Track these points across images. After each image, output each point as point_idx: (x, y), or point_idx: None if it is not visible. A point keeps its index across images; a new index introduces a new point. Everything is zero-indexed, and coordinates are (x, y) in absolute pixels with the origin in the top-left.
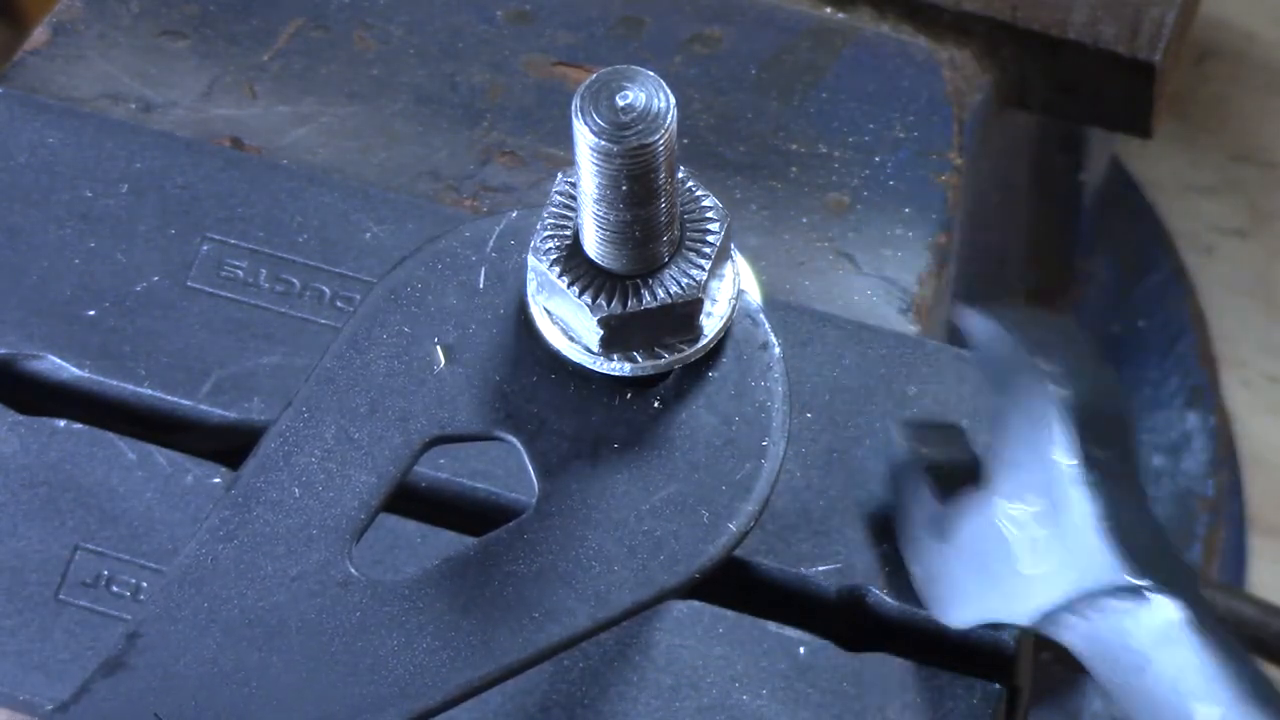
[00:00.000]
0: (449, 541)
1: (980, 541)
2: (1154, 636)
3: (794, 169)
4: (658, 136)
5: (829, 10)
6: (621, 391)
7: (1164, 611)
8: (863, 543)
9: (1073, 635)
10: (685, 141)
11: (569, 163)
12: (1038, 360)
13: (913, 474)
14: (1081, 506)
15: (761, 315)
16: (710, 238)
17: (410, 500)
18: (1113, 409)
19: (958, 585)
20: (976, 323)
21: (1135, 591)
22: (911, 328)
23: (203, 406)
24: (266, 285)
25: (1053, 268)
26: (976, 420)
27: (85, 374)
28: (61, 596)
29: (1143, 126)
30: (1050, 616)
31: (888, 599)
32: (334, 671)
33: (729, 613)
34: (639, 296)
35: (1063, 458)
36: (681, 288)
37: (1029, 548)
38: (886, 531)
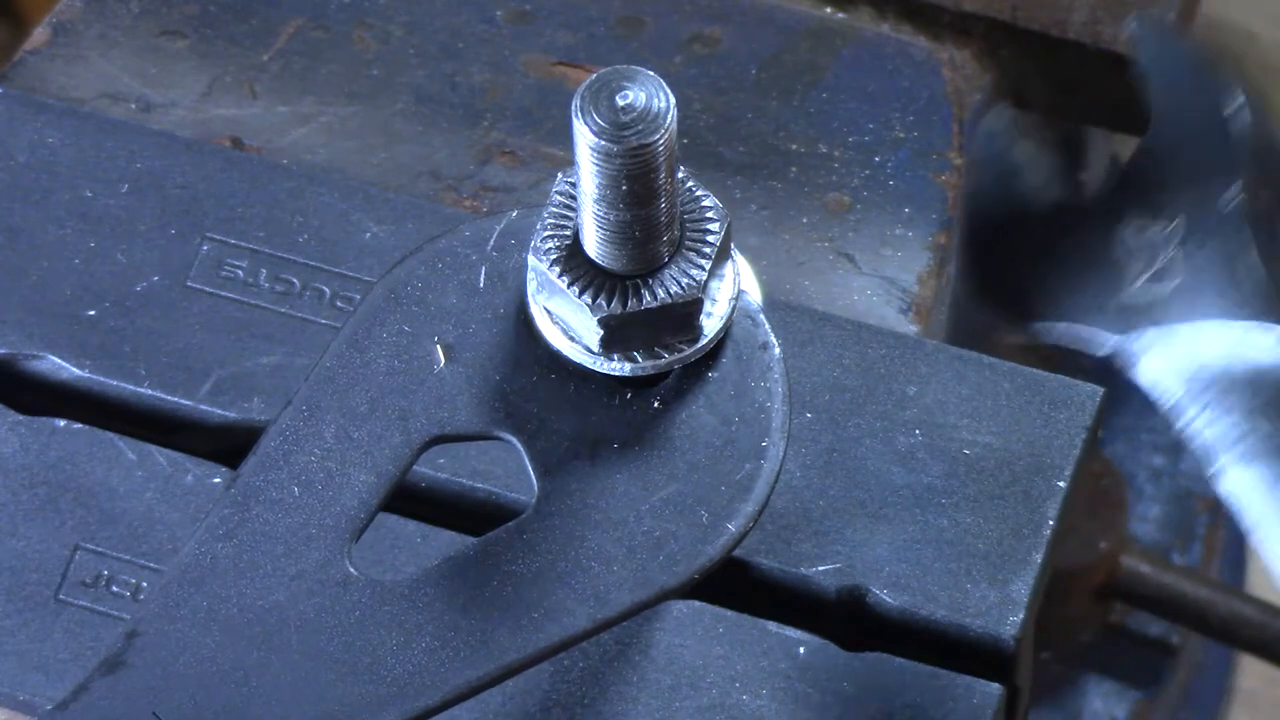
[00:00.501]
0: (449, 541)
1: (1086, 249)
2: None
3: (794, 169)
4: (658, 136)
5: (829, 10)
6: (621, 391)
7: None
8: (863, 543)
9: (1158, 365)
10: (685, 141)
11: (569, 163)
12: (1221, 81)
13: (1004, 157)
14: (1243, 240)
15: (761, 315)
16: (710, 238)
17: (410, 500)
18: (1273, 143)
19: (1043, 287)
20: (1149, 30)
21: None
22: (911, 328)
23: (203, 406)
24: (266, 285)
25: None
26: (977, 420)
27: (85, 374)
28: (61, 596)
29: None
30: (1139, 344)
31: (888, 599)
32: (333, 671)
33: (729, 613)
34: (639, 296)
35: (1233, 189)
36: (681, 288)
37: (1151, 265)
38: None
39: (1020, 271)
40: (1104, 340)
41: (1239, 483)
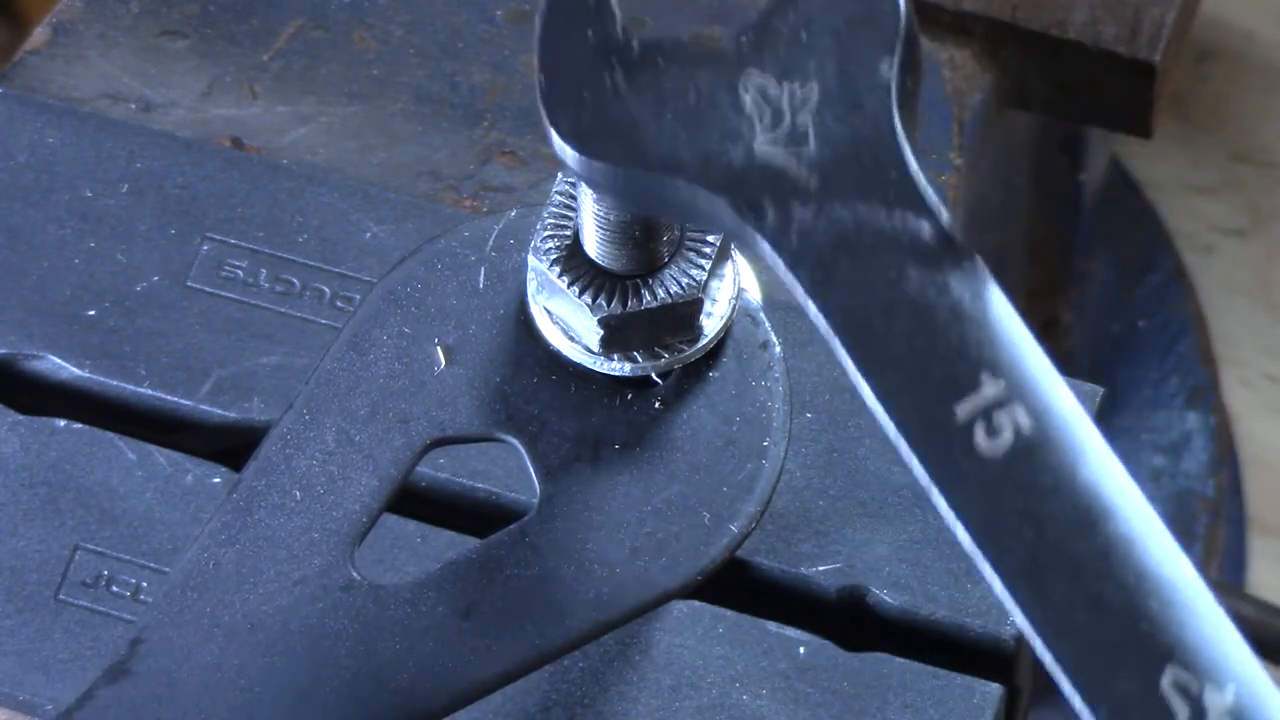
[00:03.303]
0: (449, 541)
1: (690, 92)
2: (945, 290)
3: None
4: None
5: None
6: (622, 392)
7: (976, 271)
8: (863, 543)
9: (790, 236)
10: None
11: None
12: None
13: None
14: (888, 127)
15: (761, 315)
16: (710, 237)
17: (410, 500)
18: (915, 30)
19: (630, 120)
20: None
21: (944, 238)
22: None
23: (203, 406)
24: (266, 285)
25: (1053, 268)
26: None
27: (85, 374)
28: (61, 596)
29: (1143, 126)
30: (762, 204)
31: (888, 599)
32: (337, 676)
33: (729, 613)
34: (639, 296)
35: (887, 70)
36: (681, 287)
37: (774, 126)
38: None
39: (620, 105)
40: (719, 208)
41: None
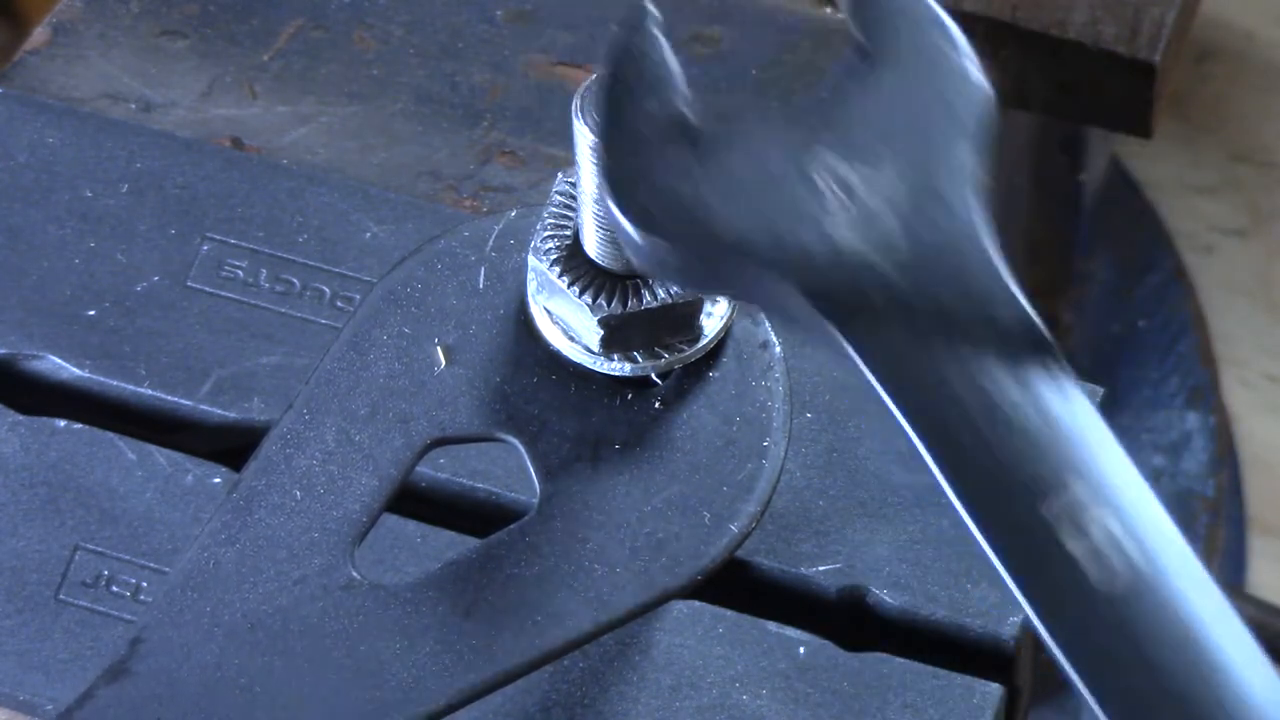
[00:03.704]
0: (449, 541)
1: (762, 172)
2: (1029, 390)
3: None
4: None
5: (829, 10)
6: (622, 392)
7: (1061, 371)
8: (863, 543)
9: (870, 333)
10: None
11: (569, 163)
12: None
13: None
14: (972, 221)
15: (762, 315)
16: None
17: (410, 500)
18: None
19: (704, 204)
20: None
21: (1043, 348)
22: None
23: (203, 406)
24: (266, 285)
25: (1053, 268)
26: None
27: (85, 374)
28: (61, 596)
29: (1143, 126)
30: (840, 295)
31: (888, 599)
32: (337, 676)
33: (729, 613)
34: (639, 296)
35: (971, 160)
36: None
37: (847, 210)
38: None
39: (691, 194)
40: (792, 298)
41: None
